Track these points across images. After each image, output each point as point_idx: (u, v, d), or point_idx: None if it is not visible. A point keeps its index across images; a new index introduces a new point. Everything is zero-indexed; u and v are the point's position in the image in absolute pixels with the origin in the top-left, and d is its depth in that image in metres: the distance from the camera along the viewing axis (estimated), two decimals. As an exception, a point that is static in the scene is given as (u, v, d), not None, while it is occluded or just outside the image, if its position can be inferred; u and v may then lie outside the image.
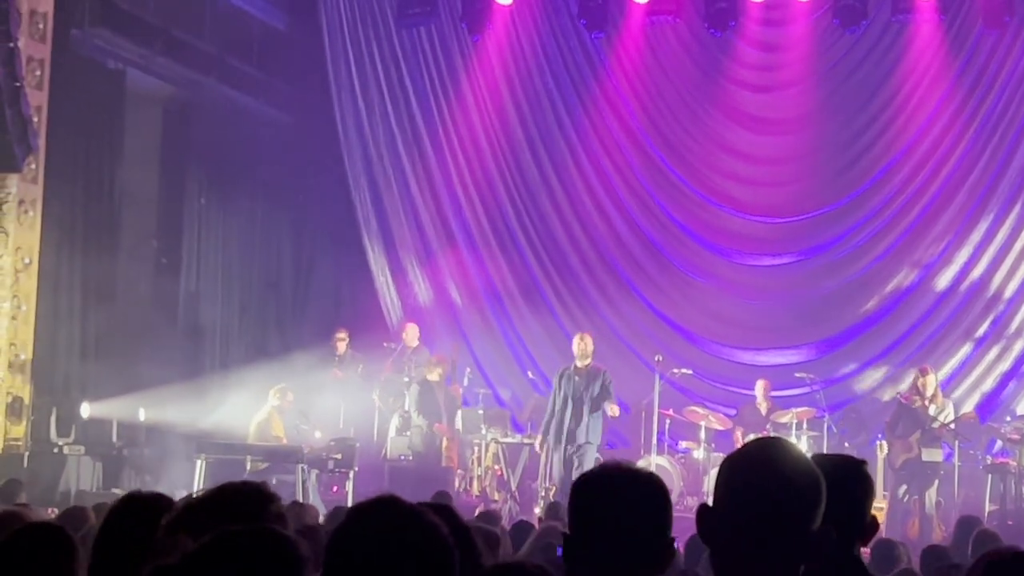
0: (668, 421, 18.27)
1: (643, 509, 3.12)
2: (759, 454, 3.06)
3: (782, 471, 2.99)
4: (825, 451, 17.04)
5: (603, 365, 17.22)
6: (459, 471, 17.98)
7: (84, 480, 16.04)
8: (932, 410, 16.64)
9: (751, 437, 16.49)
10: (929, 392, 16.74)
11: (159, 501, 4.40)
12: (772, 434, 16.72)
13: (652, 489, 3.17)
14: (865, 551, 8.48)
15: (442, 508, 3.94)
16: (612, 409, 16.55)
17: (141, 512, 4.28)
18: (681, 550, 8.16)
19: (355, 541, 2.92)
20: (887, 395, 19.35)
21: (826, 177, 20.73)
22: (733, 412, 19.09)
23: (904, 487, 16.64)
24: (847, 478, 4.10)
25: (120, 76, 18.03)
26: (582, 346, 16.99)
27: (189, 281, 19.38)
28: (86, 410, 16.55)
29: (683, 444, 18.78)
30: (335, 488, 17.37)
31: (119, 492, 11.85)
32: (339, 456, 16.04)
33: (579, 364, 16.92)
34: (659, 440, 17.81)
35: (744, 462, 3.06)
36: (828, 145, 20.74)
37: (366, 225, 21.32)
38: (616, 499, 3.13)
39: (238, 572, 2.85)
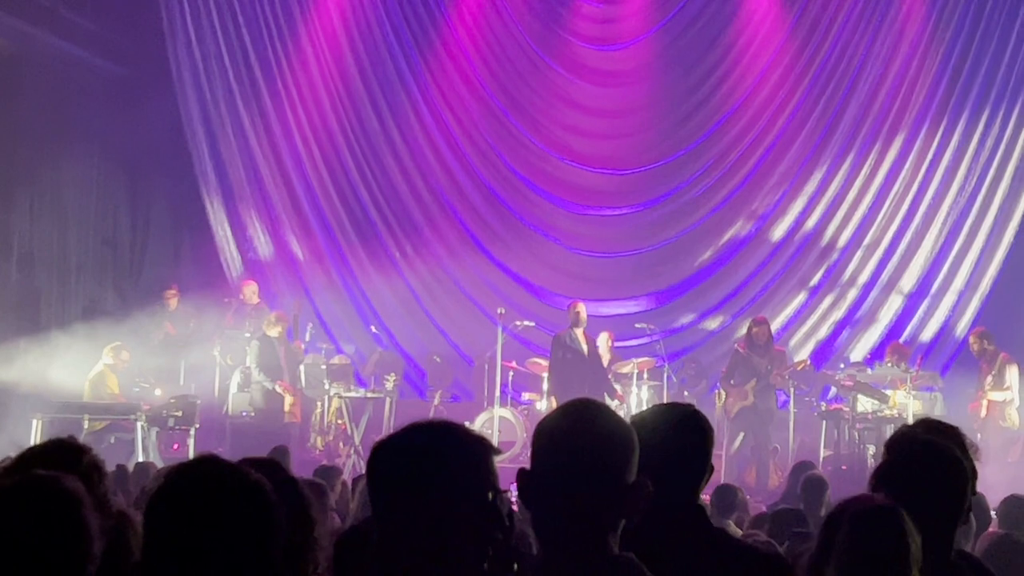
0: (511, 373, 18.36)
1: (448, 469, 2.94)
2: (570, 414, 3.16)
3: (592, 428, 3.09)
4: (665, 399, 17.32)
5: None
6: (302, 426, 17.87)
7: (-85, 441, 15.65)
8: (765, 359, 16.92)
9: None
10: (762, 341, 17.01)
11: None
12: (614, 384, 17.08)
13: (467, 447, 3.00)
14: (705, 497, 8.69)
15: (267, 463, 3.92)
16: None
17: None
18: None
19: (171, 502, 2.89)
20: (724, 344, 19.66)
21: (664, 129, 20.97)
22: (576, 363, 19.27)
23: (740, 435, 16.93)
24: (687, 427, 4.15)
25: (-52, 28, 17.53)
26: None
27: (23, 239, 18.92)
28: (-83, 370, 16.19)
29: (526, 395, 18.88)
30: (176, 446, 17.17)
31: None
32: (179, 413, 15.83)
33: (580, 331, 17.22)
34: (502, 392, 17.86)
35: (557, 424, 3.15)
36: (666, 97, 20.96)
37: (204, 179, 20.96)
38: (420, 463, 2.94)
39: (11, 531, 2.80)
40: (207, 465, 2.98)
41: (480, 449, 2.97)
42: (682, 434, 4.09)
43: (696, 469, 4.11)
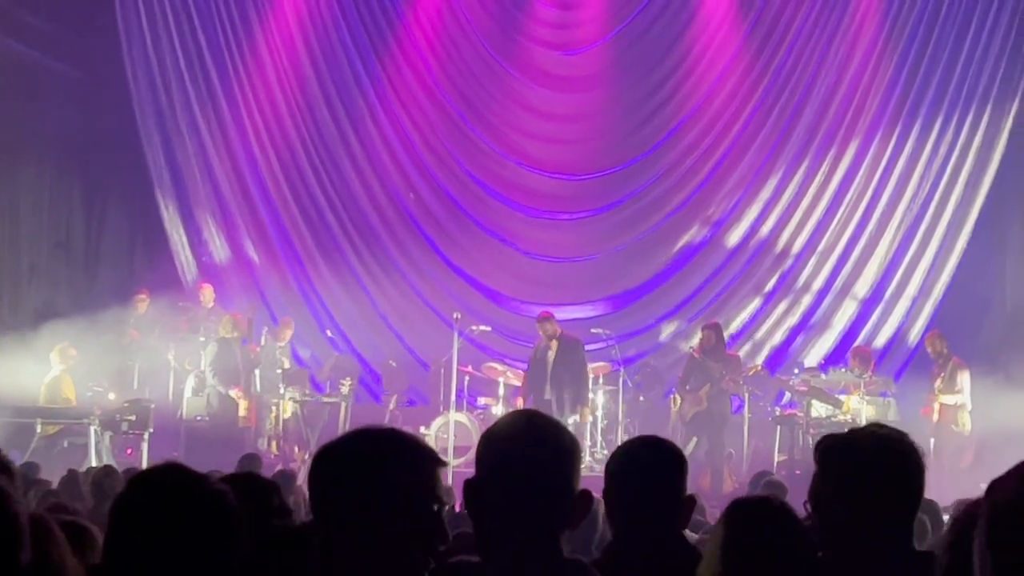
0: (467, 378, 18.34)
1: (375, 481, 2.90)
2: (514, 425, 3.18)
3: (535, 440, 3.11)
4: (620, 404, 17.44)
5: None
6: (256, 430, 17.78)
7: None
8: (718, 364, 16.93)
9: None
10: (711, 345, 16.97)
11: None
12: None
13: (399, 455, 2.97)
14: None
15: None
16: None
17: None
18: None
19: (134, 508, 2.89)
20: (680, 349, 19.71)
21: (621, 134, 21.03)
22: (531, 368, 19.28)
23: (694, 439, 16.95)
24: (667, 464, 4.26)
25: (-101, 29, 17.35)
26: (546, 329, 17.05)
27: (-26, 242, 18.82)
28: None
29: (482, 400, 18.86)
30: (129, 450, 17.05)
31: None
32: (133, 417, 15.70)
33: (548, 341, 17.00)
34: (458, 397, 17.82)
35: (501, 435, 3.16)
36: (622, 103, 21.03)
37: (159, 183, 20.84)
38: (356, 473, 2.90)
39: None
40: (170, 473, 2.98)
41: (426, 460, 2.93)
42: (665, 471, 4.23)
43: (677, 502, 4.22)
